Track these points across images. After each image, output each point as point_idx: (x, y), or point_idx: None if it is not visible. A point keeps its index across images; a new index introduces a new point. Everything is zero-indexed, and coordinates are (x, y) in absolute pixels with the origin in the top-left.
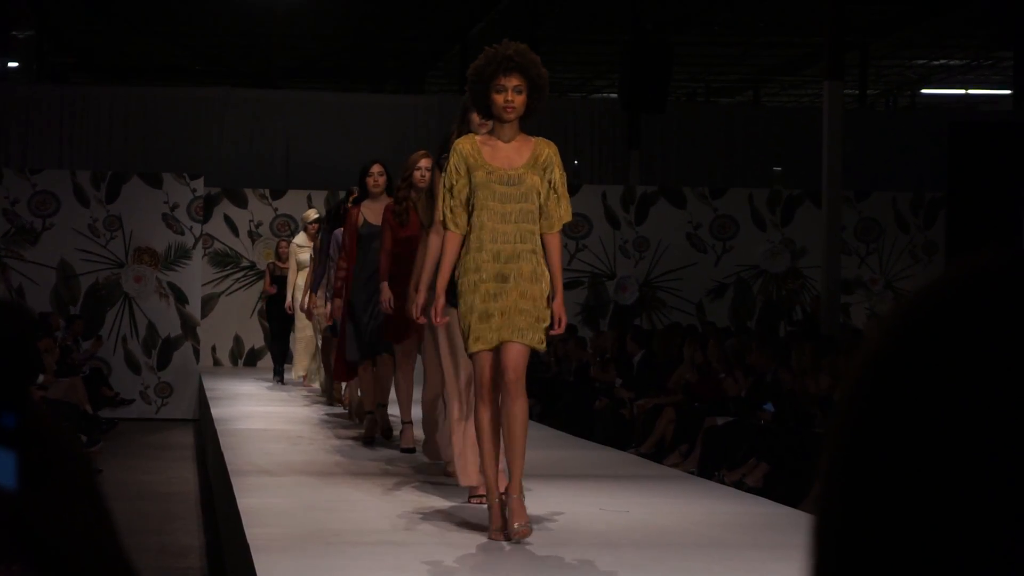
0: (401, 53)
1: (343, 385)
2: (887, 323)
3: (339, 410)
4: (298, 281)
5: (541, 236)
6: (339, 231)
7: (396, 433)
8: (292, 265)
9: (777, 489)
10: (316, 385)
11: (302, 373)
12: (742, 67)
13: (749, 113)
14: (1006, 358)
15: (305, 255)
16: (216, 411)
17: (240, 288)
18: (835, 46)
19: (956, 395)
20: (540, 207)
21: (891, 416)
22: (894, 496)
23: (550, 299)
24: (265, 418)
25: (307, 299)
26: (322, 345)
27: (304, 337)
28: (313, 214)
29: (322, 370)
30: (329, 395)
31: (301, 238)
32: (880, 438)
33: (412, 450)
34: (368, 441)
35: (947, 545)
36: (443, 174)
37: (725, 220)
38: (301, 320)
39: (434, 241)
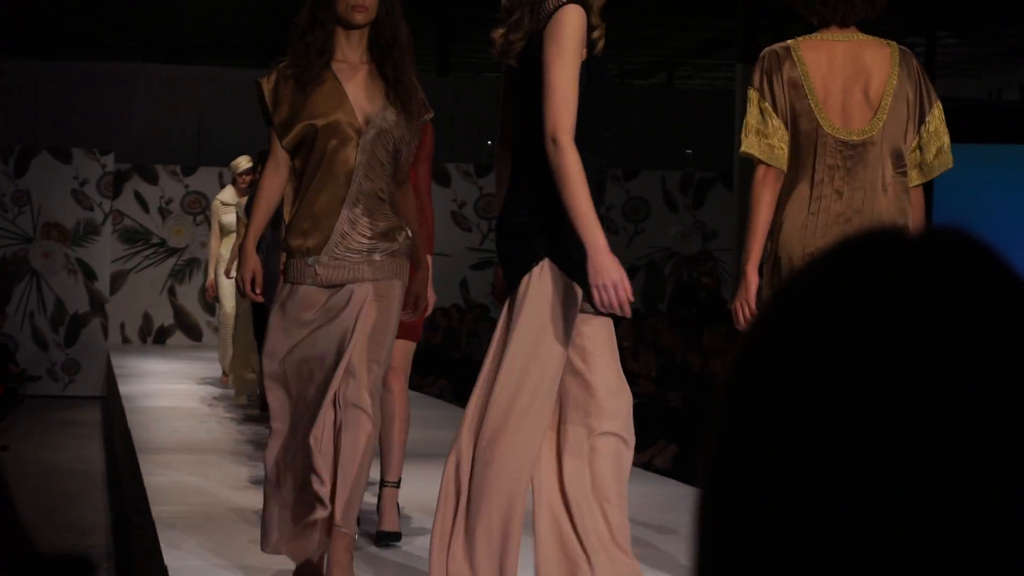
0: None
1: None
2: (764, 305)
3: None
4: (222, 251)
5: None
6: None
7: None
8: (215, 229)
9: (685, 471)
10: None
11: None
12: (656, 49)
13: (663, 95)
14: (876, 338)
15: (233, 216)
16: (124, 389)
17: (150, 265)
18: (748, 30)
19: (824, 374)
20: None
21: (762, 397)
22: (767, 479)
23: None
24: (173, 396)
25: (233, 268)
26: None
27: (228, 325)
28: (245, 162)
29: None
30: (261, 400)
31: (228, 194)
32: (752, 420)
33: (396, 536)
34: None
35: (824, 528)
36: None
37: (637, 202)
38: (228, 299)
39: (268, 182)
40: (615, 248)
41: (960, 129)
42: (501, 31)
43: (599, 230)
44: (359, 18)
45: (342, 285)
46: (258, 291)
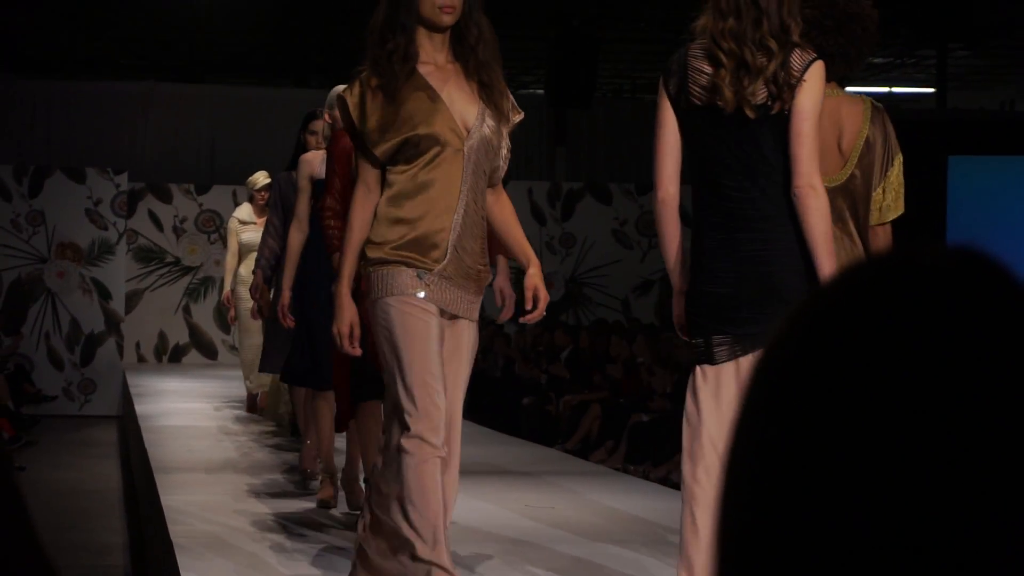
0: (326, 47)
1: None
2: (783, 325)
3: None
4: (241, 271)
5: None
6: (310, 160)
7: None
8: (232, 247)
9: None
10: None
11: (257, 388)
12: None
13: None
14: (890, 360)
15: (252, 235)
16: (140, 408)
17: (165, 284)
18: None
19: (837, 395)
20: None
21: (780, 416)
22: (782, 497)
23: None
24: (189, 415)
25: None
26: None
27: (254, 345)
28: (263, 178)
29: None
30: (292, 426)
31: (245, 211)
32: (772, 438)
33: None
34: (325, 505)
35: (834, 537)
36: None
37: (651, 217)
38: (251, 325)
39: (360, 211)
40: (629, 263)
41: (973, 141)
42: (728, 78)
43: None
44: (447, 19)
45: (450, 316)
46: (355, 344)
